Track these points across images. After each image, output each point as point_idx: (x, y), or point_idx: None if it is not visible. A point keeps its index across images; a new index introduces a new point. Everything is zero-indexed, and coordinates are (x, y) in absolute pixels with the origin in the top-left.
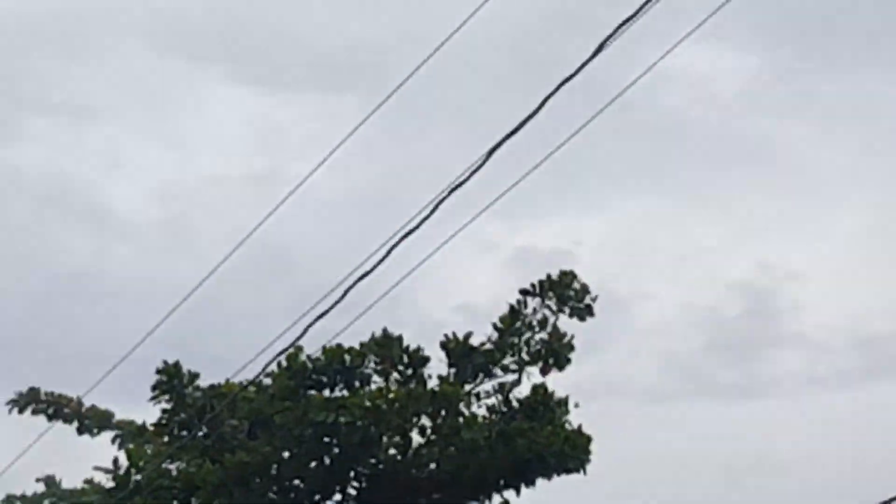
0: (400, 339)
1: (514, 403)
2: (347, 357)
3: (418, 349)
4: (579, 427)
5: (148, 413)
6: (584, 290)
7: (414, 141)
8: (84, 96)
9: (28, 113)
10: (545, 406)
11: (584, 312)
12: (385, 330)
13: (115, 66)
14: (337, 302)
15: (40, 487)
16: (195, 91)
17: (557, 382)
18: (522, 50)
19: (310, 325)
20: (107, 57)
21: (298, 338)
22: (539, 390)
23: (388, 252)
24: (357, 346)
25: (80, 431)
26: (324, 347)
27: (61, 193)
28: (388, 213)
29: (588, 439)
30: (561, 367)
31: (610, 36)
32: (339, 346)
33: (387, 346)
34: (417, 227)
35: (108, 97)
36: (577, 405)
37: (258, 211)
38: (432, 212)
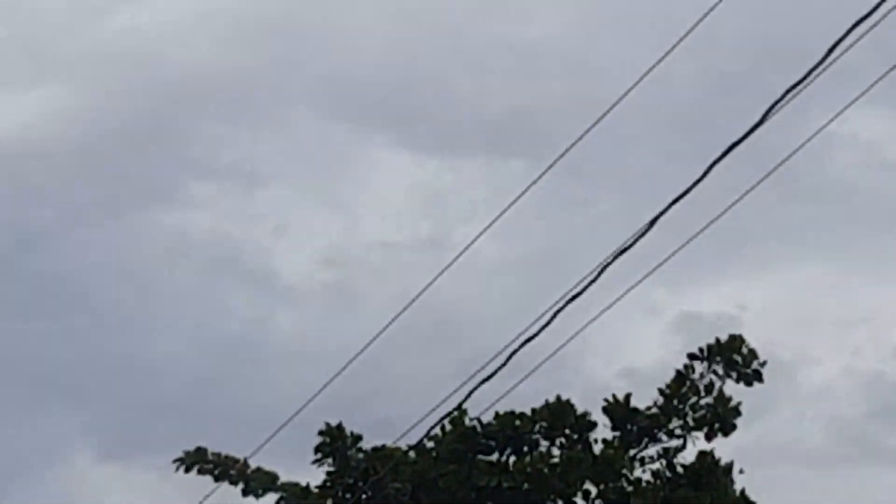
0: (571, 404)
1: (679, 469)
2: (517, 422)
3: (585, 414)
4: (742, 491)
5: (312, 475)
6: (753, 354)
7: (580, 206)
8: (251, 161)
9: (195, 177)
10: (710, 473)
11: (751, 377)
12: (558, 396)
13: (283, 131)
14: (501, 366)
15: None
16: (362, 156)
17: (722, 447)
18: (689, 115)
19: (474, 389)
20: (274, 121)
21: (462, 402)
22: (705, 457)
23: (553, 316)
24: (528, 412)
25: (244, 493)
26: (496, 412)
27: (229, 258)
28: (554, 278)
29: None
30: (726, 433)
31: (778, 101)
32: (511, 411)
33: (557, 412)
34: (582, 291)
35: (275, 162)
36: (741, 471)
37: (424, 276)
38: (597, 276)
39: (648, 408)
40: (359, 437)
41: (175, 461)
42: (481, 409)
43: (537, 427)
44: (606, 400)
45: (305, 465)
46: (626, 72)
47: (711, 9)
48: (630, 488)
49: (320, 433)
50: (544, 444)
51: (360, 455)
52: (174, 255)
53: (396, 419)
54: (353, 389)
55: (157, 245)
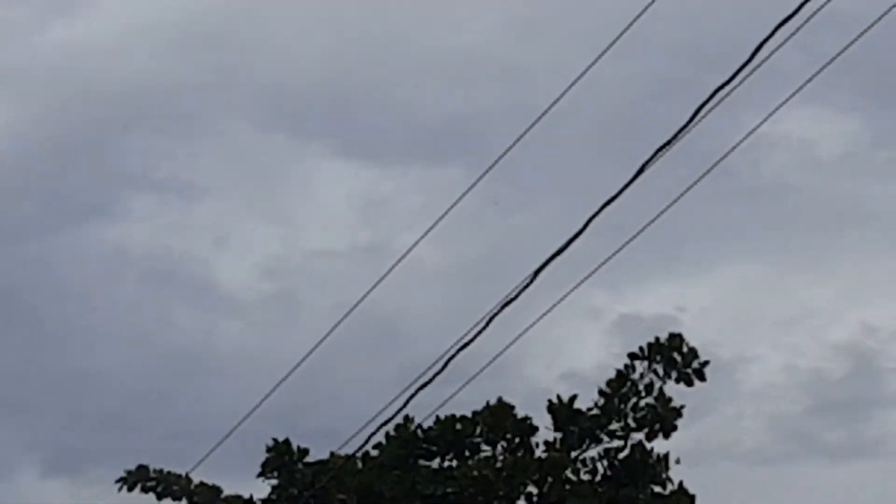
0: (511, 406)
1: (616, 464)
2: (459, 426)
3: (526, 417)
4: (681, 484)
5: (255, 488)
6: (693, 353)
7: (518, 210)
8: (189, 173)
9: (133, 191)
10: (646, 465)
11: (692, 377)
12: (499, 398)
13: (220, 143)
14: (438, 372)
15: None
16: (300, 165)
17: (663, 448)
18: (624, 118)
19: (412, 396)
20: (211, 133)
21: (401, 409)
22: (638, 449)
23: (489, 321)
24: (469, 416)
25: None
26: (437, 417)
27: (168, 271)
28: (493, 282)
29: (692, 499)
30: (667, 434)
31: (706, 101)
32: (451, 416)
33: (499, 415)
34: (517, 296)
35: (213, 174)
36: (678, 461)
37: (364, 283)
38: (531, 281)
39: (590, 409)
40: (305, 451)
41: (117, 481)
42: (425, 415)
43: (479, 431)
44: (550, 401)
45: (249, 477)
46: (560, 76)
47: (643, 11)
48: (570, 489)
49: (268, 449)
50: (486, 448)
51: (306, 469)
52: (114, 268)
53: (340, 427)
54: (296, 398)
55: (97, 259)
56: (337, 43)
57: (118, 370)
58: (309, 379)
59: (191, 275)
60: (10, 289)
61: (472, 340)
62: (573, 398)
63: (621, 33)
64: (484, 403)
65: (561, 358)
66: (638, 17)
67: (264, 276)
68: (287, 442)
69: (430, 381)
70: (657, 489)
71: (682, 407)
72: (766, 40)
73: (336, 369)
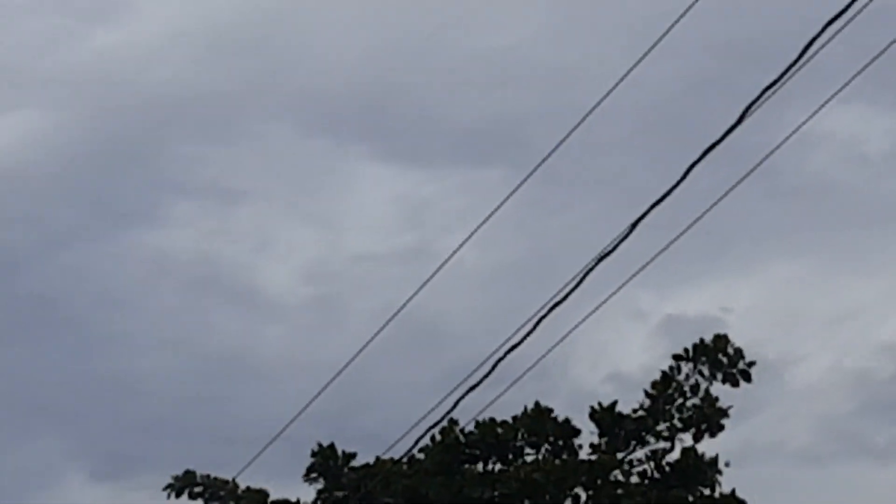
0: (551, 411)
1: (666, 469)
2: (500, 430)
3: (567, 420)
4: (733, 491)
5: (302, 491)
6: (738, 354)
7: (560, 212)
8: (230, 178)
9: (175, 197)
10: (697, 469)
11: (737, 378)
12: (537, 403)
13: (261, 148)
14: (486, 375)
15: None
16: (341, 169)
17: (710, 449)
18: (666, 117)
19: (460, 399)
20: (252, 138)
21: (449, 412)
22: (689, 453)
23: (537, 324)
24: (510, 420)
25: None
26: (477, 422)
27: (210, 276)
28: (537, 284)
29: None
30: (714, 434)
31: (755, 101)
32: (492, 420)
33: (539, 419)
34: (565, 298)
35: (254, 178)
36: (727, 464)
37: (407, 287)
38: (580, 282)
39: (635, 410)
40: (352, 456)
41: (165, 488)
42: (470, 418)
43: (520, 434)
44: (592, 408)
45: (297, 483)
46: (601, 76)
47: (686, 10)
48: (620, 491)
49: (313, 454)
50: (529, 451)
51: (351, 473)
52: (157, 274)
53: (385, 431)
54: (340, 402)
55: (140, 265)
56: (376, 46)
57: (162, 376)
58: (353, 383)
59: (233, 280)
60: (54, 295)
61: (520, 342)
62: (614, 404)
63: (665, 33)
64: (527, 405)
65: (606, 359)
66: (682, 16)
67: (306, 281)
68: (332, 446)
69: (479, 383)
70: (706, 492)
71: (729, 408)
72: (815, 38)
73: (379, 373)
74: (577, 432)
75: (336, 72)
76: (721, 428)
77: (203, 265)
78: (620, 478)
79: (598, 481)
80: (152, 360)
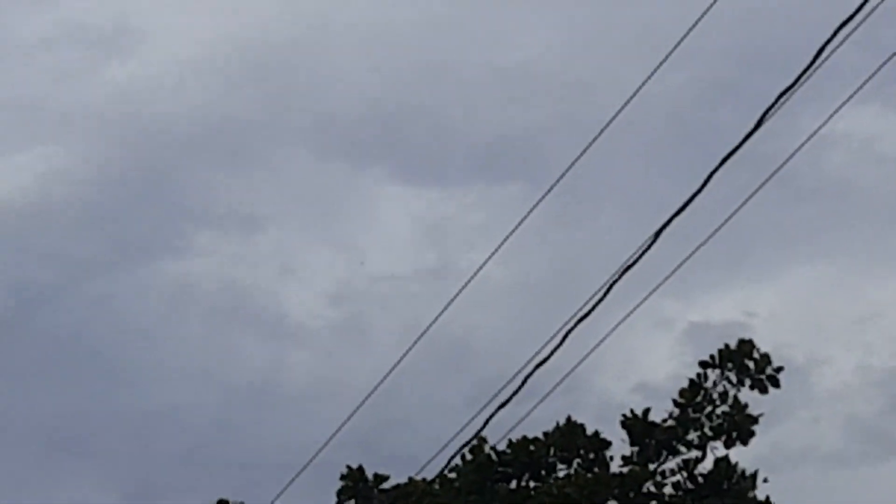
0: (581, 425)
1: (700, 479)
2: (532, 447)
3: (597, 433)
4: (767, 499)
5: None
6: (766, 359)
7: (581, 225)
8: (250, 205)
9: (196, 225)
10: (730, 479)
11: (765, 383)
12: (569, 418)
13: (279, 173)
14: (516, 391)
15: None
16: (361, 191)
17: (740, 455)
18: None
19: (491, 416)
20: (270, 164)
21: (480, 429)
22: (722, 464)
23: (564, 338)
24: (541, 436)
25: None
26: (509, 440)
27: (235, 303)
28: (561, 298)
29: None
30: (745, 441)
31: (772, 106)
32: (524, 437)
33: (570, 434)
34: (591, 310)
35: (274, 204)
36: (765, 480)
37: (431, 305)
38: (605, 294)
39: (664, 420)
40: (384, 478)
41: None
42: (499, 434)
43: (552, 450)
44: (624, 415)
45: None
46: (616, 88)
47: (697, 21)
48: (654, 503)
49: (342, 477)
50: (561, 466)
51: (382, 495)
52: (181, 304)
53: (416, 451)
54: (369, 425)
55: (163, 296)
56: (390, 65)
57: (190, 405)
58: (381, 404)
59: (257, 306)
60: (79, 329)
61: (548, 357)
62: (647, 411)
63: (678, 42)
64: (554, 419)
65: (632, 370)
66: (694, 25)
67: (331, 304)
68: (361, 469)
69: (508, 400)
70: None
71: (760, 415)
72: (828, 41)
73: (408, 393)
74: (607, 444)
75: (351, 94)
76: (752, 435)
77: (227, 293)
78: (653, 489)
79: (631, 494)
80: (179, 389)
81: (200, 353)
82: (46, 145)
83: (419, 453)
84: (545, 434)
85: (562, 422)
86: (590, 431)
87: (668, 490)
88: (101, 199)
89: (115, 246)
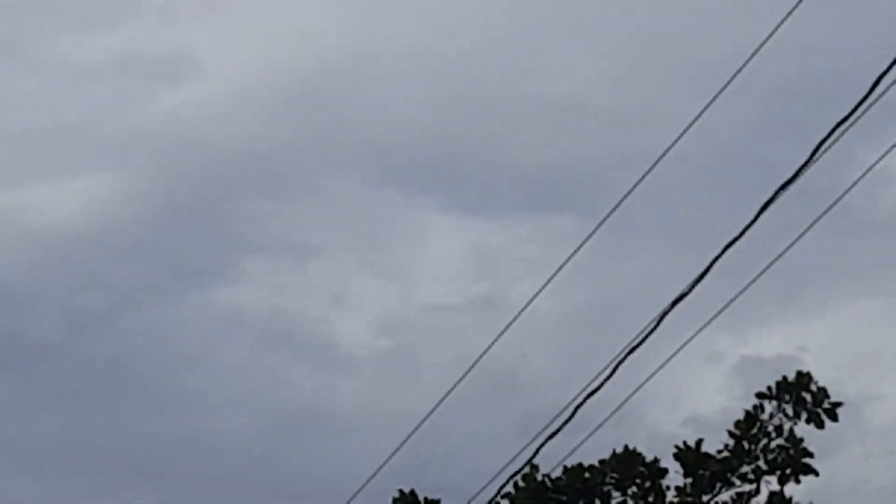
0: (639, 453)
1: None
2: (587, 475)
3: (656, 460)
4: None
5: None
6: (823, 393)
7: (631, 257)
8: (300, 233)
9: (245, 253)
10: None
11: (822, 417)
12: (626, 446)
13: (329, 201)
14: (567, 421)
15: None
16: (410, 220)
17: (792, 488)
18: (735, 158)
19: (541, 446)
20: (319, 192)
21: (531, 459)
22: (776, 498)
23: (615, 368)
24: (596, 464)
25: None
26: (564, 467)
27: (283, 331)
28: (612, 330)
29: None
30: (798, 479)
31: (826, 138)
32: (579, 464)
33: (626, 461)
34: (642, 341)
35: (325, 232)
36: None
37: (481, 336)
38: (656, 326)
39: (719, 451)
40: (436, 502)
41: None
42: (548, 467)
43: (607, 478)
44: (677, 447)
45: None
46: (665, 120)
47: (752, 55)
48: None
49: (394, 501)
50: (616, 494)
51: None
52: (229, 332)
53: (463, 482)
54: (417, 455)
55: (212, 323)
56: (441, 95)
57: (238, 432)
58: (429, 435)
59: (306, 334)
60: (126, 356)
61: (599, 388)
62: (700, 442)
63: (735, 73)
64: (603, 451)
65: (682, 403)
66: (749, 60)
67: (380, 333)
68: (413, 493)
69: (559, 430)
70: None
71: (812, 455)
72: (884, 74)
73: (456, 423)
74: (664, 473)
75: (401, 123)
76: (808, 470)
77: (275, 321)
78: None
79: None
80: (227, 417)
81: (248, 381)
82: (98, 171)
83: (468, 484)
84: (601, 461)
85: (618, 450)
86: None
87: None
88: (151, 225)
89: (165, 273)
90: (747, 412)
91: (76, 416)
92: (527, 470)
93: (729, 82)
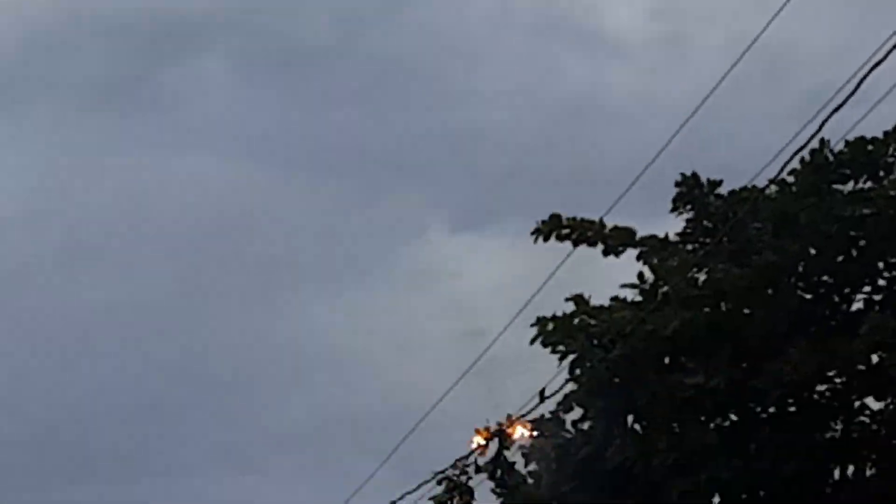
0: None
1: None
2: (870, 147)
3: None
4: None
5: (669, 226)
6: None
7: None
8: None
9: None
10: None
11: None
12: None
13: None
14: (852, 93)
15: (570, 307)
16: None
17: None
18: None
19: (826, 120)
20: None
21: (815, 134)
22: None
23: None
24: (880, 136)
25: (605, 253)
26: (846, 141)
27: (554, 20)
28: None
29: None
30: None
31: None
32: (861, 137)
33: None
34: None
35: None
36: None
37: (754, 17)
38: None
39: None
40: (717, 183)
41: (533, 232)
42: (834, 142)
43: (891, 150)
44: None
45: (662, 218)
46: None
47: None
48: None
49: (677, 184)
50: None
51: (719, 201)
52: (500, 24)
53: (744, 163)
54: (695, 139)
55: (481, 18)
56: None
57: (513, 124)
58: (706, 118)
59: (577, 22)
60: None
61: (883, 59)
62: None
63: None
64: (887, 123)
65: None
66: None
67: (651, 18)
68: (695, 175)
69: (843, 103)
70: None
71: None
72: None
73: (733, 106)
74: None
75: None
76: None
77: (546, 9)
78: None
79: None
80: (502, 109)
81: (522, 72)
82: None
83: (747, 165)
84: (885, 133)
85: None
86: None
87: None
88: None
89: None
90: None
91: (349, 116)
92: (815, 146)
93: None
